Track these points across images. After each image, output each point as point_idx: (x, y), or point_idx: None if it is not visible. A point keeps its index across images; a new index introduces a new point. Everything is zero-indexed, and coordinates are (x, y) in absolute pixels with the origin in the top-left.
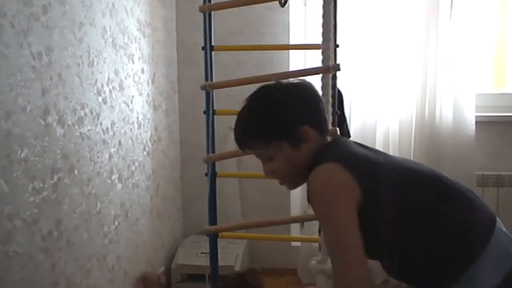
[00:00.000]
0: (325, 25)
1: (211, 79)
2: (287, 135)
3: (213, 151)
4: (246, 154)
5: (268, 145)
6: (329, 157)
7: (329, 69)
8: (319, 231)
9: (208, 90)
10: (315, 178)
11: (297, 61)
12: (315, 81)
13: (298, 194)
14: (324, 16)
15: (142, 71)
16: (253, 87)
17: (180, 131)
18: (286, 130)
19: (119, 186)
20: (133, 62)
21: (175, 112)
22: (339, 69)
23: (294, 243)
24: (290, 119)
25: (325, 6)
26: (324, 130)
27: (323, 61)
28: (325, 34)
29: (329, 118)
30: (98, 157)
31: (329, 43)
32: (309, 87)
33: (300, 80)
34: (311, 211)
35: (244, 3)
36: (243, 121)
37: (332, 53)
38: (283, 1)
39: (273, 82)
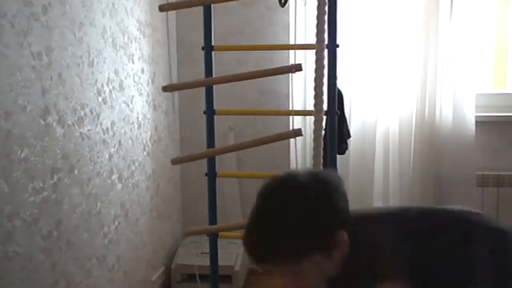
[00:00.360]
0: (319, 26)
1: None
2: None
3: None
4: (220, 154)
5: (300, 259)
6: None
7: (291, 69)
8: None
9: (169, 91)
10: None
11: (297, 61)
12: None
13: None
14: (318, 16)
15: (142, 71)
16: (251, 85)
17: (180, 131)
18: (318, 238)
19: (119, 186)
20: (133, 62)
21: (175, 112)
22: (300, 69)
23: None
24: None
25: (319, 7)
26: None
27: (316, 61)
28: (319, 34)
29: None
30: (98, 157)
31: (322, 44)
32: (331, 181)
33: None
34: None
35: (203, 2)
36: (266, 232)
37: (325, 54)
38: (283, 1)
39: (285, 175)
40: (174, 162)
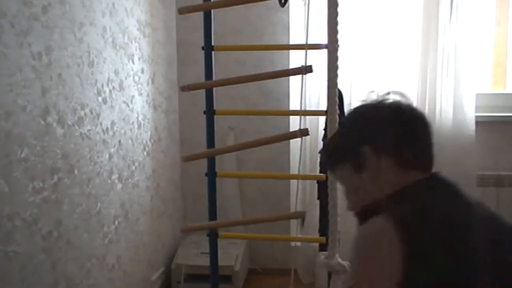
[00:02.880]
0: (330, 27)
1: (211, 79)
2: (349, 155)
3: None
4: (221, 153)
5: (336, 167)
6: (389, 207)
7: (302, 70)
8: (319, 231)
9: (186, 91)
10: (361, 233)
11: (297, 61)
12: (318, 82)
13: (298, 195)
14: (329, 18)
15: (142, 71)
16: (251, 84)
17: (180, 131)
18: (347, 149)
19: (119, 186)
20: (133, 62)
21: (175, 112)
22: (311, 71)
23: (294, 243)
24: (353, 137)
25: (330, 9)
26: (410, 164)
27: (328, 62)
28: (330, 36)
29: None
30: (98, 157)
31: (334, 45)
32: (403, 109)
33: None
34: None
35: (223, 5)
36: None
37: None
38: (283, 1)
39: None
40: (186, 159)
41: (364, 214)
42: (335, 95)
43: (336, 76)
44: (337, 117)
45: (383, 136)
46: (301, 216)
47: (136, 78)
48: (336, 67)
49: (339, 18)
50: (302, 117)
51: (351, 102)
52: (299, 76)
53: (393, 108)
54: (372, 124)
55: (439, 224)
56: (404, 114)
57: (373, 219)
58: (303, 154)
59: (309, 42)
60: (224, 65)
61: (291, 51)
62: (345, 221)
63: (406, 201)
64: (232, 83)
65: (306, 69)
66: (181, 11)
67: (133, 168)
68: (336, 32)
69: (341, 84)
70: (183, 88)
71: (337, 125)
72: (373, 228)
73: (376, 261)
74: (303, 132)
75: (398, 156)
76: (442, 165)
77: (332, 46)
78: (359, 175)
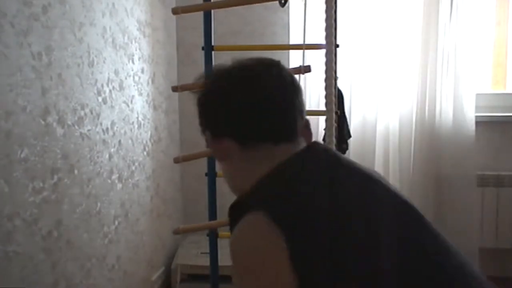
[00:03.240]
0: (327, 28)
1: None
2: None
3: None
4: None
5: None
6: (258, 199)
7: (300, 70)
8: None
9: (179, 91)
10: (233, 242)
11: (297, 61)
12: (318, 83)
13: None
14: (326, 19)
15: (142, 71)
16: None
17: (180, 131)
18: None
19: (119, 186)
20: (133, 62)
21: (175, 112)
22: (309, 71)
23: None
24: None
25: (327, 10)
26: (276, 137)
27: (326, 62)
28: (328, 37)
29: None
30: (98, 157)
31: (332, 45)
32: (271, 70)
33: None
34: None
35: (216, 6)
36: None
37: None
38: (283, 1)
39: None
40: (176, 161)
41: (231, 210)
42: (332, 94)
43: (333, 75)
44: (335, 116)
45: (212, 118)
46: None
47: (136, 78)
48: (333, 67)
49: (339, 18)
50: None
51: (351, 102)
52: (299, 76)
53: (262, 73)
54: (208, 105)
55: (326, 213)
56: (274, 77)
57: (245, 217)
58: None
59: (309, 42)
60: None
61: (291, 51)
62: None
63: (281, 188)
64: None
65: (304, 69)
66: (176, 11)
67: (133, 168)
68: (333, 32)
69: (341, 84)
70: (175, 89)
71: (334, 122)
72: (248, 230)
73: (261, 275)
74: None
75: (238, 134)
76: (442, 165)
77: (329, 46)
78: (216, 150)
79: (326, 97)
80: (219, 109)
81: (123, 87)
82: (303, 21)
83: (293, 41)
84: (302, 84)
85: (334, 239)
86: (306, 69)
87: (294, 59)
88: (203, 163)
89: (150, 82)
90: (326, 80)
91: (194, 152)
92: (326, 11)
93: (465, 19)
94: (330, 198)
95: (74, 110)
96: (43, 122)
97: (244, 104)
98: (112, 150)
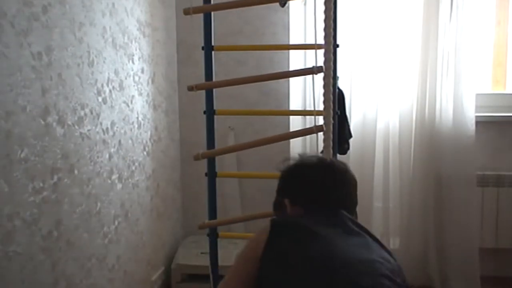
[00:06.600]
0: (327, 29)
1: (211, 79)
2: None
3: None
4: (240, 150)
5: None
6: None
7: (313, 71)
8: None
9: (195, 90)
10: None
11: (297, 61)
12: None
13: None
14: (325, 19)
15: (142, 71)
16: (251, 85)
17: (180, 131)
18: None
19: (119, 186)
20: (133, 62)
21: (175, 112)
22: (322, 71)
23: None
24: (280, 188)
25: (326, 11)
26: (309, 207)
27: (324, 62)
28: (327, 37)
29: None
30: (98, 157)
31: (330, 45)
32: (323, 168)
33: (332, 160)
34: None
35: (228, 7)
36: None
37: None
38: (283, 1)
39: (313, 157)
40: (197, 157)
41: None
42: (329, 92)
43: (331, 75)
44: (333, 115)
45: (288, 191)
46: (320, 129)
47: (136, 78)
48: (331, 67)
49: (339, 18)
50: (302, 117)
51: (351, 101)
52: (298, 76)
53: (301, 168)
54: (287, 182)
55: (297, 236)
56: (321, 171)
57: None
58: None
59: (309, 42)
60: (224, 65)
61: (292, 51)
62: None
63: (289, 217)
64: (240, 83)
65: (317, 69)
66: (187, 11)
67: (133, 168)
68: (331, 32)
69: (341, 84)
70: (191, 88)
71: (332, 120)
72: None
73: (250, 242)
74: (319, 129)
75: (296, 201)
76: (442, 165)
77: (328, 46)
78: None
79: (324, 95)
80: (294, 185)
81: (123, 87)
82: (313, 21)
83: (293, 41)
84: (300, 83)
85: (287, 253)
86: (319, 69)
87: (294, 59)
88: (203, 163)
89: (150, 82)
90: (324, 79)
91: (216, 149)
92: (325, 12)
93: (465, 19)
94: (309, 235)
95: (74, 110)
96: (43, 122)
97: (314, 182)
98: (112, 150)
